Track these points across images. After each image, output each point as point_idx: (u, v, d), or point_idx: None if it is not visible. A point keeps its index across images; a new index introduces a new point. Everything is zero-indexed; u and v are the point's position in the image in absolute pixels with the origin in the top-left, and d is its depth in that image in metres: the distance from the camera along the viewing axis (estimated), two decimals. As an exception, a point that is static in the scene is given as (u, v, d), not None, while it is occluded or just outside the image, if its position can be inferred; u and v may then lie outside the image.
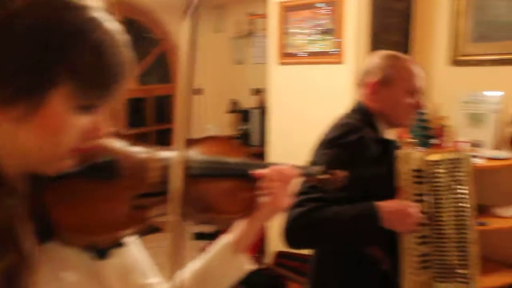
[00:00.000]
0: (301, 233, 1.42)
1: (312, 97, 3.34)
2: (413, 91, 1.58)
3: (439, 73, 3.65)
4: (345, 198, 1.44)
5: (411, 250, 1.44)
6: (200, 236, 4.38)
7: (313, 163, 1.51)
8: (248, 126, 4.59)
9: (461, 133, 3.46)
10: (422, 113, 3.52)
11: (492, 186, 3.44)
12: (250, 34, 5.07)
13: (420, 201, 1.48)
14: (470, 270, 1.48)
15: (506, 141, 3.30)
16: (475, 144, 3.39)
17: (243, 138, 4.65)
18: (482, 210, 3.29)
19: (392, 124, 1.65)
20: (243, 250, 1.00)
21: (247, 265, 1.01)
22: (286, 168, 1.01)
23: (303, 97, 3.44)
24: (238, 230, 0.99)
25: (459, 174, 1.49)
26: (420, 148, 3.34)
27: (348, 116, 1.64)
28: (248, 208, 0.97)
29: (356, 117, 1.60)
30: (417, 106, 1.61)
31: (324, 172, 1.20)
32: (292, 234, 1.42)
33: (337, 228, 1.42)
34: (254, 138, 4.51)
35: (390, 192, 1.49)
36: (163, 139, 5.78)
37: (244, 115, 4.66)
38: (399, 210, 1.43)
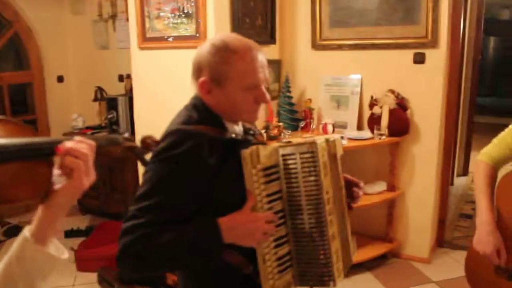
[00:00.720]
0: (137, 263, 1.24)
1: (176, 84, 3.19)
2: (252, 87, 1.34)
3: (303, 56, 3.71)
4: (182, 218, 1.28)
5: (268, 255, 1.31)
6: (71, 234, 4.07)
7: (141, 182, 1.33)
8: (115, 115, 4.31)
9: (326, 115, 3.55)
10: (289, 97, 3.56)
11: (358, 165, 3.60)
12: (113, 16, 4.75)
13: (275, 200, 1.34)
14: (333, 267, 1.35)
15: (366, 122, 3.44)
16: (340, 126, 3.51)
17: (111, 127, 4.36)
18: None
19: (236, 122, 1.44)
20: (48, 240, 0.92)
21: (59, 254, 0.94)
22: (80, 141, 0.90)
23: (167, 84, 3.28)
24: (36, 218, 0.90)
25: (315, 165, 1.33)
26: (288, 132, 3.37)
27: (185, 113, 1.41)
28: (42, 192, 0.89)
29: (194, 115, 1.38)
30: (260, 100, 1.38)
31: (129, 139, 1.08)
32: (127, 264, 1.25)
33: (176, 255, 1.26)
34: (122, 127, 4.25)
35: (240, 201, 1.31)
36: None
37: (110, 103, 4.36)
38: (243, 223, 1.27)
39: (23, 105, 5.21)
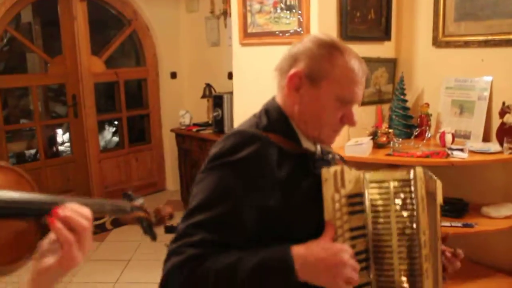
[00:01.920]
0: None
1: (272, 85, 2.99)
2: (345, 101, 1.15)
3: (422, 55, 3.28)
4: (243, 241, 1.04)
5: None
6: (170, 230, 4.09)
7: (191, 196, 1.11)
8: (221, 112, 4.24)
9: (446, 123, 3.10)
10: (403, 100, 3.17)
11: (480, 183, 3.10)
12: (224, 13, 4.69)
13: (358, 237, 1.08)
14: None
15: (495, 132, 2.93)
16: (462, 135, 3.04)
17: (216, 125, 4.31)
18: (470, 209, 2.98)
19: (309, 136, 1.20)
20: None
21: None
22: (76, 209, 0.72)
23: (268, 82, 3.07)
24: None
25: (412, 196, 1.07)
26: (399, 140, 2.99)
27: (253, 119, 1.23)
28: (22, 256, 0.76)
29: (263, 121, 1.19)
30: (346, 121, 1.17)
31: (139, 208, 0.88)
32: None
33: (228, 285, 0.99)
34: (227, 125, 4.17)
35: (312, 228, 1.07)
36: (136, 125, 5.46)
37: (216, 100, 4.31)
38: (327, 259, 1.00)
39: (138, 100, 5.40)
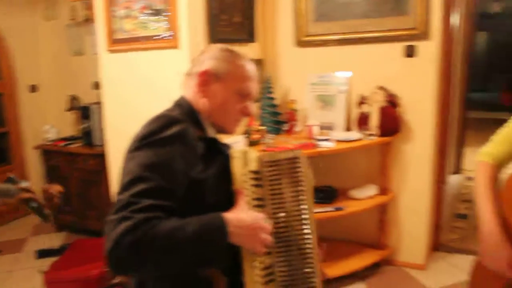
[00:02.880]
0: (129, 255, 1.05)
1: (149, 88, 2.97)
2: (244, 94, 1.37)
3: (286, 55, 3.49)
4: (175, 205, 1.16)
5: (254, 263, 1.23)
6: (43, 254, 3.84)
7: (123, 173, 1.19)
8: (90, 124, 4.06)
9: (312, 116, 3.34)
10: (271, 98, 3.35)
11: (346, 168, 3.39)
12: (87, 20, 4.51)
13: (261, 206, 1.27)
14: (318, 278, 1.28)
15: (354, 122, 3.23)
16: (326, 127, 3.30)
17: (85, 138, 4.12)
18: (338, 194, 3.24)
19: (215, 126, 1.40)
20: None
21: None
22: None
23: (139, 89, 3.05)
24: None
25: (297, 174, 1.30)
26: (270, 136, 3.15)
27: (166, 112, 1.34)
28: None
29: (175, 113, 1.33)
30: (245, 113, 1.39)
31: (24, 190, 0.88)
32: (118, 256, 1.05)
33: (175, 246, 1.08)
34: (96, 137, 4.01)
35: (225, 197, 1.26)
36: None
37: (84, 112, 4.12)
38: (252, 224, 1.19)
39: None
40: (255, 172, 1.27)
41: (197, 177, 1.22)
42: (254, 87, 1.40)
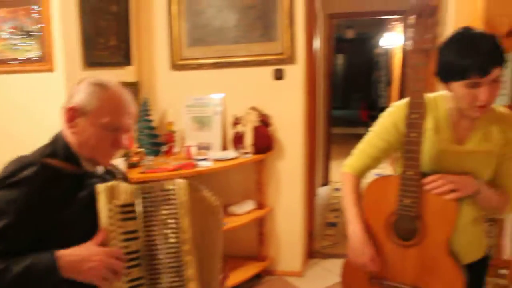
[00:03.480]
0: None
1: (18, 114, 2.83)
2: (113, 128, 1.35)
3: (162, 78, 3.56)
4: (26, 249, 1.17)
5: None
6: None
7: None
8: None
9: (189, 137, 3.43)
10: (149, 121, 3.38)
11: (225, 186, 3.53)
12: None
13: (132, 239, 1.28)
14: None
15: (230, 142, 3.39)
16: (204, 147, 3.42)
17: None
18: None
19: (89, 160, 1.39)
20: None
21: None
22: None
23: (6, 114, 2.89)
24: None
25: (172, 205, 1.33)
26: (150, 157, 3.18)
27: (41, 147, 1.36)
28: None
29: (48, 149, 1.34)
30: (117, 146, 1.37)
31: None
32: None
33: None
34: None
35: (90, 235, 1.25)
36: None
37: None
38: (86, 257, 1.19)
39: None
40: (124, 206, 1.28)
41: (56, 217, 1.22)
42: (125, 120, 1.37)
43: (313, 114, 3.77)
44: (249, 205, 3.39)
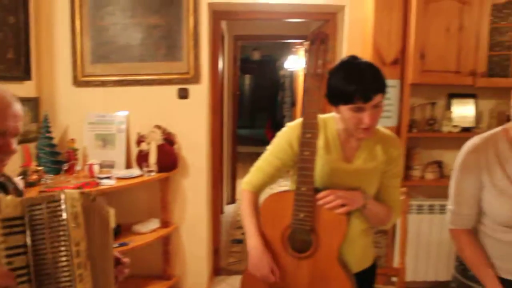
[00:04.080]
0: None
1: None
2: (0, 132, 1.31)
3: (64, 94, 3.46)
4: None
5: None
6: None
7: None
8: None
9: (92, 155, 3.35)
10: (49, 138, 3.26)
11: (129, 205, 3.48)
12: None
13: (18, 254, 1.22)
14: None
15: (134, 159, 3.36)
16: (107, 165, 3.35)
17: None
18: (122, 229, 3.30)
19: None
20: None
21: None
22: None
23: None
24: None
25: (62, 214, 1.27)
26: (49, 176, 3.07)
27: None
28: None
29: None
30: (6, 150, 1.34)
31: None
32: None
33: None
34: None
35: None
36: None
37: None
38: None
39: None
40: (7, 220, 1.22)
41: None
42: (11, 123, 1.33)
43: (218, 132, 3.85)
44: (154, 224, 3.36)
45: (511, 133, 1.69)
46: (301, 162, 1.62)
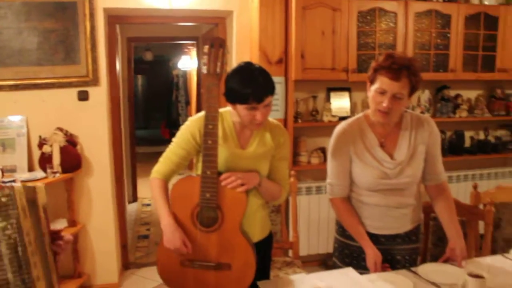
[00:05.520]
0: None
1: None
2: None
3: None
4: None
5: None
6: None
7: None
8: None
9: (-8, 161, 3.34)
10: None
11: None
12: None
13: None
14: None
15: (37, 162, 3.41)
16: (9, 170, 3.36)
17: None
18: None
19: None
20: None
21: None
22: None
23: None
24: None
25: (14, 207, 1.37)
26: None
27: None
28: None
29: None
30: None
31: None
32: None
33: None
34: None
35: None
36: None
37: None
38: None
39: None
40: None
41: None
42: None
43: (118, 133, 3.98)
44: (61, 224, 3.43)
45: (371, 117, 2.11)
46: (205, 149, 1.89)
